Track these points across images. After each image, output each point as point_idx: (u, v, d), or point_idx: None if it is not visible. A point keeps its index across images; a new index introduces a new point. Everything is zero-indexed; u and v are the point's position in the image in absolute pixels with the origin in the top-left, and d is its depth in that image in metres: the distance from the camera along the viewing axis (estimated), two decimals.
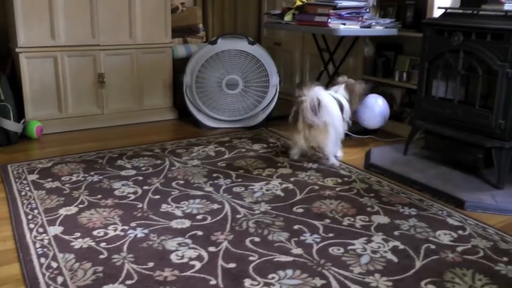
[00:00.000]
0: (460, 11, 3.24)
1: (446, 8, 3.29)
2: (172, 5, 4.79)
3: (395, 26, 3.99)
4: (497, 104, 2.89)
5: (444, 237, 2.40)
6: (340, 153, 3.52)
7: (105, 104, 4.35)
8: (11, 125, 3.75)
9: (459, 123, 3.10)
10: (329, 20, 3.76)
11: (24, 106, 4.03)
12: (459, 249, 2.30)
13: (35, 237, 2.38)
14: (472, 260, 2.20)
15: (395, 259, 2.18)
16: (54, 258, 2.19)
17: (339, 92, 3.61)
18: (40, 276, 2.06)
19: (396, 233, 2.42)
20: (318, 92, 3.29)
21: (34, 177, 3.15)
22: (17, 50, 3.96)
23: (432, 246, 2.31)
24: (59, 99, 4.17)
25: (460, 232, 2.46)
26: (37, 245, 2.31)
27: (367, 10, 3.95)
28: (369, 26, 3.90)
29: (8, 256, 2.24)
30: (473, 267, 2.14)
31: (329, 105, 3.32)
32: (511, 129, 2.88)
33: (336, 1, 3.79)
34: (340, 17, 3.80)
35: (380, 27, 3.93)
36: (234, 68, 4.23)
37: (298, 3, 4.18)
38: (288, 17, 4.21)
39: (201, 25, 5.17)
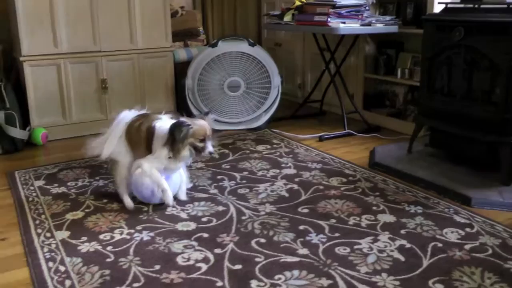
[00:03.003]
0: (461, 5, 3.21)
1: (446, 3, 3.28)
2: (172, 9, 4.79)
3: (395, 23, 3.98)
4: (501, 99, 2.87)
5: (452, 235, 2.38)
6: None
7: (108, 110, 4.36)
8: (17, 133, 3.77)
9: (463, 119, 3.07)
10: (329, 19, 3.76)
11: (29, 114, 4.06)
12: (467, 247, 2.28)
13: (43, 241, 2.40)
14: (480, 258, 2.18)
15: (402, 258, 2.17)
16: (62, 262, 2.21)
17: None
18: (48, 280, 2.07)
19: (402, 231, 2.41)
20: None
21: (40, 183, 3.16)
22: (21, 59, 3.99)
23: (440, 244, 2.29)
24: (63, 106, 4.19)
25: (468, 229, 2.44)
26: (45, 249, 2.32)
27: (367, 8, 3.94)
28: (369, 24, 3.89)
29: (17, 261, 2.26)
30: (481, 265, 2.12)
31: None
32: None
33: (335, 0, 3.78)
34: (339, 15, 3.80)
35: (380, 25, 3.92)
36: (235, 70, 4.23)
37: (297, 3, 4.18)
38: (287, 18, 4.21)
39: (201, 28, 5.18)
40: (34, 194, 2.99)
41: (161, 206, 2.75)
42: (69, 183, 3.14)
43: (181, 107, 4.59)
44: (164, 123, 2.68)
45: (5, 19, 4.48)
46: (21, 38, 3.97)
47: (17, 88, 4.11)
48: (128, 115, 2.83)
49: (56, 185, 3.12)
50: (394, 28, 3.96)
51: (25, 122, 3.97)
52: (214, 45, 4.25)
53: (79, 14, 4.14)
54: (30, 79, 4.04)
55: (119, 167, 2.77)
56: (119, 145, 2.76)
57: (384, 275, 2.05)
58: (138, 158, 2.72)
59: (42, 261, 2.22)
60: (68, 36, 4.13)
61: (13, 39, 4.37)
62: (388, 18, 3.98)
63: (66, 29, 4.11)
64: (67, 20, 4.10)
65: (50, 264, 2.19)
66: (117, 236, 2.43)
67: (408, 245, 2.28)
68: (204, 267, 2.13)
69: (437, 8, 3.58)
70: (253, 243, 2.32)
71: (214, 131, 2.86)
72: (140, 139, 2.72)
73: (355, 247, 2.27)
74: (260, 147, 3.79)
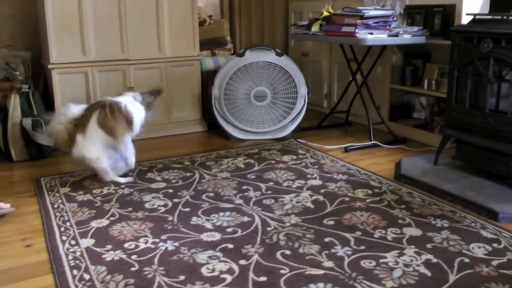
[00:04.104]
0: (489, 17, 3.19)
1: (474, 15, 3.25)
2: (200, 18, 4.82)
3: (422, 34, 3.96)
4: None
5: (478, 250, 2.35)
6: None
7: None
8: (44, 139, 3.81)
9: (490, 132, 3.04)
10: (356, 30, 3.75)
11: None
12: (494, 262, 2.24)
13: (68, 249, 2.42)
14: (508, 275, 2.14)
15: (428, 273, 2.15)
16: (87, 270, 2.22)
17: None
18: (73, 287, 2.09)
19: (428, 245, 2.39)
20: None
21: (66, 190, 3.19)
22: (50, 66, 4.05)
23: (466, 260, 2.26)
24: None
25: (495, 245, 2.41)
26: (70, 257, 2.34)
27: (395, 18, 3.92)
28: (396, 35, 3.87)
29: (42, 268, 2.28)
30: (509, 282, 2.09)
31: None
32: None
33: (363, 11, 3.78)
34: (367, 26, 3.78)
35: (407, 35, 3.90)
36: (262, 80, 4.24)
37: (325, 13, 4.18)
38: (315, 28, 4.21)
39: (228, 38, 5.20)
40: (60, 201, 3.02)
41: (186, 215, 2.77)
42: (94, 191, 3.17)
43: (207, 116, 4.61)
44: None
45: (34, 27, 4.56)
46: (50, 46, 4.03)
47: (44, 95, 4.17)
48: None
49: (81, 192, 3.15)
50: (421, 39, 3.94)
51: None
52: (242, 55, 4.26)
53: (108, 23, 4.19)
54: (58, 86, 4.09)
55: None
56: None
57: None
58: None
59: (67, 269, 2.23)
60: (96, 44, 4.18)
61: (41, 46, 4.44)
62: (415, 29, 3.95)
63: (94, 38, 4.16)
64: (95, 29, 4.15)
65: (75, 272, 2.21)
66: (142, 245, 2.43)
67: (435, 260, 2.25)
68: (228, 278, 2.13)
69: (465, 19, 3.55)
70: (278, 254, 2.32)
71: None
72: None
73: (381, 260, 2.25)
74: (285, 158, 3.78)
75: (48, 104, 4.10)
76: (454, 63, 3.28)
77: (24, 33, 4.69)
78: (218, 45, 5.05)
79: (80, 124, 3.18)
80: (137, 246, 2.43)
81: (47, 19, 3.98)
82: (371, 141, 4.05)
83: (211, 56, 4.95)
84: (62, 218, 2.77)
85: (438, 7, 4.03)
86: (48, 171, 3.58)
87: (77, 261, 2.29)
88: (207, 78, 4.60)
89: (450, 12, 3.88)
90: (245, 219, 2.72)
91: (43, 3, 3.98)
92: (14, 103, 3.79)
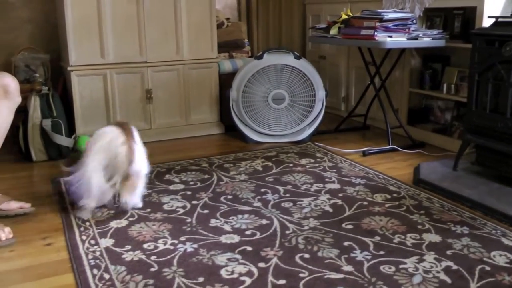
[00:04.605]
0: None
1: (496, 17, 3.22)
2: (218, 21, 4.82)
3: (442, 37, 3.93)
4: None
5: (500, 258, 2.32)
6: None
7: (152, 119, 4.41)
8: (63, 140, 3.84)
9: (511, 137, 3.02)
10: (376, 33, 3.73)
11: (74, 122, 4.14)
12: None
13: (87, 248, 2.44)
14: None
15: (448, 280, 2.13)
16: (106, 269, 2.23)
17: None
18: (93, 286, 2.10)
19: (448, 252, 2.36)
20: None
21: None
22: (69, 68, 4.09)
23: (487, 268, 2.23)
24: (108, 115, 4.26)
25: None
26: (90, 256, 2.36)
27: (414, 21, 3.90)
28: (416, 38, 3.85)
29: (62, 266, 2.30)
30: None
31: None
32: None
33: (382, 14, 3.76)
34: (386, 29, 3.76)
35: (427, 39, 3.87)
36: (280, 83, 4.23)
37: (344, 16, 4.18)
38: (333, 31, 4.20)
39: (246, 40, 5.20)
40: None
41: (204, 217, 2.77)
42: None
43: (224, 118, 4.62)
44: None
45: (53, 30, 4.60)
46: (69, 49, 4.06)
47: (63, 97, 4.21)
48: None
49: None
50: (441, 42, 3.91)
51: (71, 130, 4.05)
52: (260, 57, 4.26)
53: (127, 26, 4.22)
54: (77, 88, 4.13)
55: None
56: None
57: None
58: None
59: (87, 268, 2.25)
60: (115, 47, 4.21)
61: (61, 49, 4.48)
62: (435, 32, 3.93)
63: (113, 40, 4.19)
64: (114, 32, 4.18)
65: (95, 271, 2.22)
66: (161, 246, 2.44)
67: (455, 267, 2.23)
68: (248, 281, 2.12)
69: (486, 22, 3.53)
70: (297, 258, 2.31)
71: None
72: None
73: (400, 266, 2.24)
74: (303, 161, 3.78)
75: (67, 105, 4.12)
76: (474, 67, 3.25)
77: (44, 35, 4.74)
78: (236, 47, 5.05)
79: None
80: (156, 247, 2.44)
81: (66, 22, 4.02)
82: (389, 145, 4.03)
83: (229, 58, 4.95)
84: (81, 218, 2.79)
85: (459, 9, 4.00)
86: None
87: (97, 261, 2.31)
88: (225, 80, 4.61)
89: (471, 15, 3.85)
90: (264, 222, 2.72)
91: (62, 7, 4.02)
92: (34, 105, 3.82)
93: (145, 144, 3.76)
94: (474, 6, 3.72)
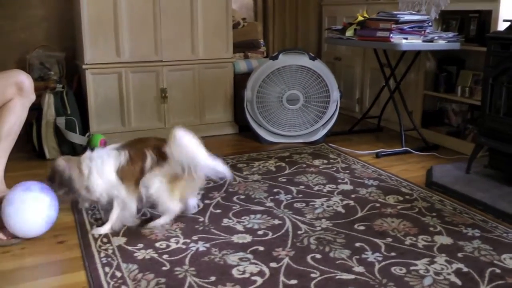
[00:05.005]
0: None
1: None
2: (234, 21, 4.84)
3: (457, 40, 3.92)
4: None
5: (510, 261, 2.32)
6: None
7: (167, 118, 4.44)
8: (77, 138, 3.87)
9: None
10: (391, 35, 3.74)
11: (89, 120, 4.17)
12: None
13: (100, 246, 2.46)
14: None
15: (458, 282, 2.14)
16: (118, 267, 2.26)
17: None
18: (105, 284, 2.13)
19: (459, 254, 2.37)
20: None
21: None
22: (84, 66, 4.12)
23: (498, 271, 2.24)
24: (122, 113, 4.29)
25: None
26: (102, 254, 2.38)
27: (430, 23, 3.90)
28: (431, 40, 3.85)
29: (74, 264, 2.33)
30: None
31: None
32: None
33: (398, 15, 3.76)
34: (402, 31, 3.76)
35: (442, 41, 3.87)
36: (295, 84, 4.25)
37: (360, 18, 4.18)
38: (349, 33, 4.21)
39: (261, 40, 5.21)
40: None
41: (217, 217, 2.79)
42: None
43: (239, 118, 4.64)
44: None
45: (69, 28, 4.63)
46: (85, 47, 4.09)
47: (78, 95, 4.23)
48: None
49: None
50: (456, 45, 3.90)
51: (85, 128, 4.08)
52: (275, 58, 4.28)
53: (142, 25, 4.25)
54: (91, 86, 4.16)
55: None
56: None
57: None
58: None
59: (99, 266, 2.28)
60: (130, 45, 4.23)
61: (76, 47, 4.52)
62: (450, 34, 3.92)
63: (129, 39, 4.22)
64: (130, 31, 4.21)
65: (107, 269, 2.25)
66: (173, 245, 2.47)
67: (465, 269, 2.24)
68: (259, 280, 2.14)
69: (502, 26, 3.52)
70: (308, 258, 2.33)
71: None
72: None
73: (411, 268, 2.25)
74: (316, 162, 3.79)
75: (82, 104, 4.16)
76: (489, 70, 3.25)
77: (59, 34, 4.78)
78: (252, 47, 5.06)
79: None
80: (168, 246, 2.46)
81: (82, 21, 4.05)
82: (402, 147, 4.03)
83: (244, 58, 4.97)
84: (94, 216, 2.83)
85: (474, 12, 3.99)
86: None
87: (109, 259, 2.33)
88: (240, 80, 4.62)
89: (487, 18, 3.84)
90: (276, 222, 2.73)
91: (79, 5, 4.06)
92: (48, 102, 3.86)
93: None
94: (490, 9, 3.71)
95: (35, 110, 3.78)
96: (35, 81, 2.88)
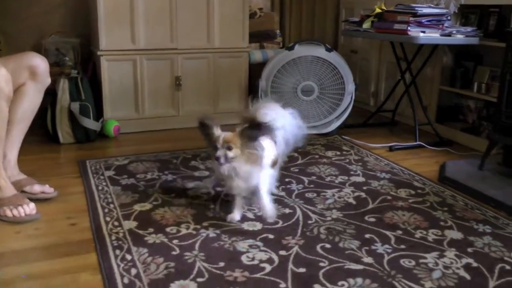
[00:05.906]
0: None
1: None
2: (250, 10, 4.84)
3: (476, 34, 3.88)
4: None
5: None
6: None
7: (180, 106, 4.44)
8: (91, 124, 3.90)
9: None
10: (409, 27, 3.71)
11: (103, 106, 4.19)
12: None
13: (111, 229, 2.48)
14: None
15: (467, 277, 2.13)
16: (129, 251, 2.27)
17: None
18: (115, 266, 2.14)
19: (469, 250, 2.36)
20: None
21: (110, 173, 3.26)
22: (99, 53, 4.13)
23: (507, 267, 2.22)
24: (136, 100, 4.30)
25: None
26: (113, 237, 2.40)
27: (449, 17, 3.86)
28: (449, 35, 3.82)
29: (86, 246, 2.34)
30: None
31: None
32: None
33: (416, 8, 3.74)
34: (420, 24, 3.74)
35: (461, 36, 3.83)
36: (310, 75, 4.24)
37: (377, 10, 4.16)
38: (366, 25, 4.19)
39: (278, 31, 5.21)
40: (104, 183, 3.08)
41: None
42: (138, 175, 3.22)
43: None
44: None
45: (85, 15, 4.65)
46: (100, 34, 4.10)
47: (92, 81, 4.25)
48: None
49: (125, 176, 3.21)
50: (475, 40, 3.86)
51: (99, 114, 4.09)
52: (291, 48, 4.26)
53: (159, 13, 4.25)
54: (106, 73, 4.17)
55: None
56: None
57: None
58: None
59: (110, 248, 2.29)
60: (146, 33, 4.24)
61: (91, 33, 4.53)
62: (469, 29, 3.89)
63: (144, 27, 4.22)
64: (146, 18, 4.21)
65: (117, 252, 2.26)
66: (183, 231, 2.47)
67: (475, 264, 2.22)
68: (268, 267, 2.14)
69: None
70: (318, 247, 2.33)
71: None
72: None
73: (421, 261, 2.24)
74: (329, 153, 3.78)
75: (96, 90, 4.18)
76: (507, 66, 3.21)
77: (75, 20, 4.79)
78: (267, 38, 5.06)
79: None
80: (178, 231, 2.46)
81: (98, 7, 4.05)
82: (416, 141, 4.01)
83: (259, 48, 4.96)
84: (106, 200, 2.83)
85: (495, 7, 3.94)
86: (93, 154, 3.66)
87: (120, 242, 2.35)
88: (255, 70, 4.62)
89: (507, 13, 3.80)
90: (287, 211, 2.73)
91: None
92: (63, 88, 3.87)
93: (172, 130, 3.77)
94: (510, 4, 3.66)
95: (50, 95, 3.81)
96: (50, 67, 2.88)
